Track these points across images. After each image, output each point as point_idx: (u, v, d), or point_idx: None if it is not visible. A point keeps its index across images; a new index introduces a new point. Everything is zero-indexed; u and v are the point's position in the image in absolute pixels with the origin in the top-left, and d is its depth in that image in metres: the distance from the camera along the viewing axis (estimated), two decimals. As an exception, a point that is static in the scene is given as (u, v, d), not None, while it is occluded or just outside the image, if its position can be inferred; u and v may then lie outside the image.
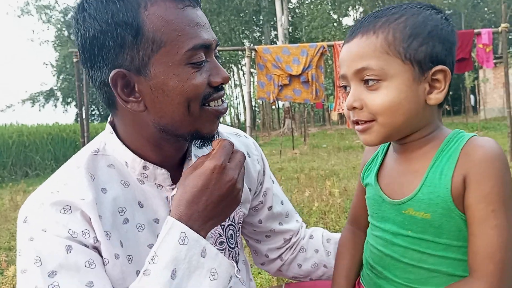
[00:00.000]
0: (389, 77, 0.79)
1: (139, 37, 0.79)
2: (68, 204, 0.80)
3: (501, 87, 19.53)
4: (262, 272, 2.70)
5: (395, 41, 0.80)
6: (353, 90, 0.83)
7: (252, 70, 9.77)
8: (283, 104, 21.13)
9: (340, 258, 1.04)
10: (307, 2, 28.80)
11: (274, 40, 31.98)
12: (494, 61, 8.36)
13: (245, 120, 8.57)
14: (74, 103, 36.12)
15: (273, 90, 7.44)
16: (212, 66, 0.86)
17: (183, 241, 0.76)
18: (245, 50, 7.83)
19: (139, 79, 0.82)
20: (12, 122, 14.73)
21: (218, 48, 0.89)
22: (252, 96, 9.10)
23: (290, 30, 28.03)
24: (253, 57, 7.77)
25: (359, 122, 0.84)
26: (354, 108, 0.83)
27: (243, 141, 1.12)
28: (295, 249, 1.20)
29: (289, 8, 26.00)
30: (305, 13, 28.06)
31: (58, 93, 37.70)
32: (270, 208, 1.16)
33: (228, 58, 28.84)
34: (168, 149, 0.91)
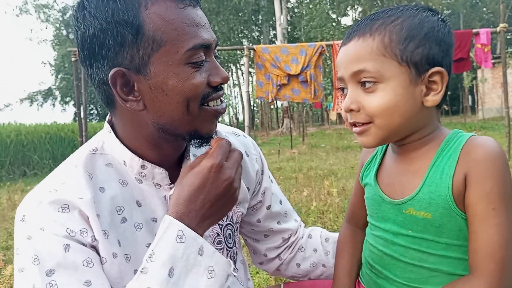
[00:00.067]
0: (385, 79, 0.80)
1: (139, 36, 0.79)
2: (66, 203, 0.80)
3: (499, 87, 19.58)
4: (260, 272, 2.70)
5: (391, 43, 0.80)
6: (350, 92, 0.83)
7: (250, 69, 9.76)
8: (281, 104, 21.14)
9: (340, 258, 1.04)
10: (306, 1, 28.82)
11: (273, 39, 31.98)
12: (493, 61, 8.36)
13: (244, 119, 8.56)
14: (72, 102, 36.08)
15: (271, 89, 7.44)
16: (211, 66, 0.86)
17: (181, 239, 0.76)
18: (243, 49, 7.83)
19: (139, 78, 0.82)
20: (10, 121, 14.71)
21: (216, 47, 0.89)
22: (250, 95, 9.09)
23: (289, 29, 28.02)
24: (251, 56, 7.77)
25: (357, 124, 0.84)
26: (351, 110, 0.83)
27: (241, 140, 1.12)
28: (293, 248, 1.20)
29: (288, 7, 26.00)
30: (304, 12, 28.06)
31: (56, 92, 37.67)
32: (268, 207, 1.16)
33: (226, 58, 28.86)
34: (166, 149, 0.91)
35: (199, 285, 0.76)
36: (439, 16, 0.84)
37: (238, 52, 24.28)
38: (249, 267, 2.52)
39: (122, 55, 0.80)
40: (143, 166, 0.90)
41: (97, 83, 0.86)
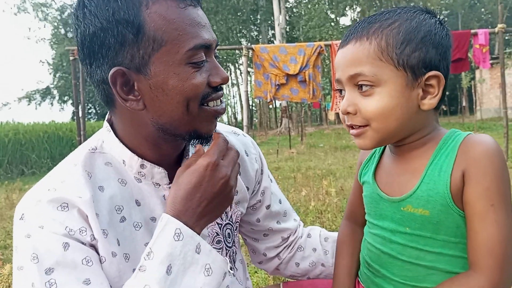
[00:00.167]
0: (382, 83, 0.80)
1: (140, 35, 0.79)
2: (65, 201, 0.80)
3: (497, 87, 19.62)
4: (258, 271, 2.70)
5: (388, 47, 0.80)
6: (347, 95, 0.84)
7: (249, 69, 9.75)
8: (280, 104, 21.13)
9: (340, 256, 1.04)
10: (304, 1, 28.83)
11: (272, 39, 31.99)
12: (491, 61, 8.38)
13: (242, 119, 8.56)
14: (70, 101, 36.03)
15: (270, 89, 7.45)
16: (211, 66, 0.86)
17: (178, 237, 0.76)
18: (242, 49, 7.83)
19: (139, 77, 0.82)
20: (8, 120, 14.64)
21: (217, 47, 0.89)
22: (249, 95, 9.10)
23: (288, 29, 28.00)
24: (250, 56, 7.77)
25: (354, 127, 0.85)
26: (348, 113, 0.84)
27: (241, 139, 1.13)
28: (293, 247, 1.20)
29: (286, 7, 25.99)
30: (303, 12, 28.06)
31: (55, 91, 37.60)
32: (268, 207, 1.16)
33: (225, 57, 28.85)
34: (165, 148, 0.91)
35: (196, 282, 0.76)
36: (437, 18, 0.84)
37: (237, 51, 24.29)
38: (248, 266, 2.52)
39: (122, 54, 0.80)
40: (142, 166, 0.90)
41: (97, 82, 0.85)
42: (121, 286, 0.78)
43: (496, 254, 0.76)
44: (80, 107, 8.13)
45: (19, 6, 33.52)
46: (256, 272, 2.71)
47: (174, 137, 0.87)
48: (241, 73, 33.47)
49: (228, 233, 1.05)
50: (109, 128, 0.91)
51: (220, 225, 1.03)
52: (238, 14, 29.67)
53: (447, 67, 0.84)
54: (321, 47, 7.31)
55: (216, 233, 1.02)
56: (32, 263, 0.76)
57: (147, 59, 0.80)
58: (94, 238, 0.80)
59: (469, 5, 34.83)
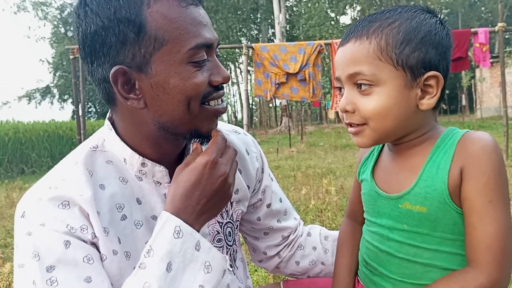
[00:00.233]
0: (381, 82, 0.81)
1: (141, 34, 0.79)
2: (66, 199, 0.80)
3: (497, 86, 19.62)
4: (258, 270, 2.70)
5: (387, 47, 0.80)
6: (346, 93, 0.85)
7: (249, 68, 9.74)
8: (280, 102, 21.14)
9: (341, 254, 1.05)
10: (304, 0, 28.78)
11: (272, 38, 31.96)
12: (491, 60, 8.37)
13: (242, 118, 8.56)
14: (70, 100, 36.00)
15: (270, 88, 7.45)
16: (213, 65, 0.86)
17: (178, 234, 0.77)
18: (242, 48, 7.82)
19: (140, 76, 0.82)
20: (8, 119, 14.61)
21: (218, 46, 0.89)
22: (249, 94, 9.09)
23: (288, 28, 27.97)
24: (250, 55, 7.77)
25: (352, 125, 0.85)
26: (346, 111, 0.85)
27: (242, 138, 1.13)
28: (293, 246, 1.20)
29: (286, 6, 25.97)
30: (303, 11, 28.04)
31: (55, 90, 37.58)
32: (268, 205, 1.16)
33: (225, 56, 28.80)
34: (166, 147, 0.91)
35: (196, 280, 0.77)
36: (438, 18, 0.84)
37: (237, 50, 24.25)
38: (248, 265, 2.52)
39: (123, 53, 0.80)
40: (143, 164, 0.90)
41: (98, 81, 0.85)
42: (121, 284, 0.78)
43: (494, 250, 0.76)
44: (80, 106, 8.13)
45: (19, 5, 33.49)
46: (256, 270, 2.71)
47: (175, 136, 0.88)
48: (241, 72, 33.44)
49: (229, 231, 1.05)
50: (110, 126, 0.91)
51: (221, 224, 1.03)
52: (238, 13, 29.65)
53: (447, 67, 0.84)
54: (321, 46, 7.30)
55: (217, 231, 1.02)
56: (33, 261, 0.76)
57: (148, 58, 0.80)
58: (95, 236, 0.81)
59: (469, 4, 34.80)
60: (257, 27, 33.35)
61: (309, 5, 26.39)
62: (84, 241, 0.79)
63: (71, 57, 7.97)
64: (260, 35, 32.25)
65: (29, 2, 33.82)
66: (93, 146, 0.90)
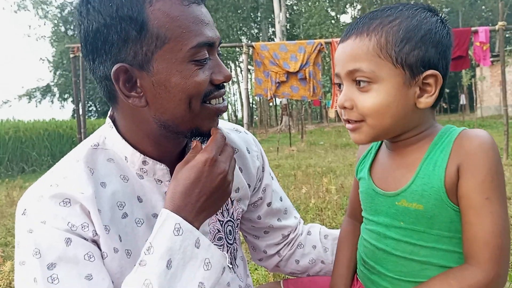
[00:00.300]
0: (380, 80, 0.81)
1: (143, 32, 0.79)
2: (67, 197, 0.80)
3: (498, 85, 19.59)
4: (258, 268, 2.71)
5: (387, 44, 0.81)
6: (345, 89, 0.85)
7: (249, 67, 9.75)
8: (280, 101, 21.12)
9: (341, 250, 1.05)
10: (304, -1, 28.76)
11: (272, 37, 31.92)
12: (491, 59, 8.36)
13: (243, 117, 8.56)
14: (71, 99, 35.96)
15: (270, 87, 7.44)
16: (214, 64, 0.86)
17: (178, 232, 0.77)
18: (242, 47, 7.82)
19: (142, 74, 0.82)
20: (9, 118, 14.60)
21: (220, 45, 0.89)
22: (249, 93, 9.09)
23: (288, 27, 27.94)
24: (250, 54, 7.76)
25: (350, 121, 0.86)
26: (345, 107, 0.85)
27: (243, 137, 1.13)
28: (293, 245, 1.20)
29: (286, 5, 25.93)
30: (303, 10, 28.02)
31: (55, 89, 37.52)
32: (269, 204, 1.16)
33: (225, 55, 28.80)
34: (167, 145, 0.91)
35: (196, 277, 0.77)
36: (439, 16, 0.84)
37: (237, 49, 24.25)
38: (248, 263, 2.52)
39: (125, 51, 0.80)
40: (144, 162, 0.90)
41: (99, 78, 0.86)
42: (122, 281, 0.78)
43: (492, 247, 0.77)
44: (80, 104, 8.13)
45: (19, 3, 33.43)
46: (256, 269, 2.71)
47: (175, 134, 0.88)
48: (241, 70, 33.41)
49: (229, 230, 1.05)
50: (111, 124, 0.92)
51: (221, 222, 1.03)
52: (239, 11, 29.64)
53: (446, 66, 0.84)
54: (321, 45, 7.30)
55: (218, 230, 1.02)
56: (34, 258, 0.77)
57: (150, 56, 0.80)
58: (96, 234, 0.81)
59: (469, 3, 34.75)
60: (258, 26, 33.33)
61: (310, 3, 26.36)
62: (85, 238, 0.80)
63: (71, 55, 7.97)
64: (261, 34, 32.22)
65: (29, 1, 33.77)
66: (94, 144, 0.90)
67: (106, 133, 0.92)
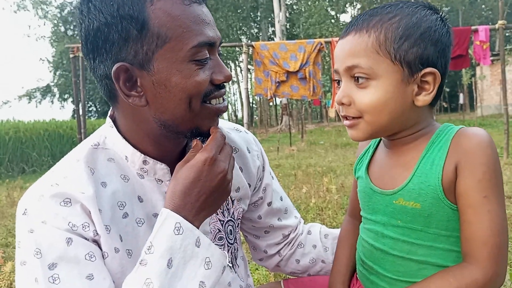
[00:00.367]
0: (378, 76, 0.81)
1: (144, 31, 0.79)
2: (68, 197, 0.80)
3: (498, 84, 19.58)
4: (259, 268, 2.71)
5: (386, 41, 0.81)
6: (343, 86, 0.85)
7: (249, 66, 9.75)
8: (280, 101, 21.11)
9: (341, 248, 1.06)
10: (304, -2, 28.75)
11: (272, 36, 31.91)
12: (491, 58, 8.37)
13: (243, 116, 8.56)
14: (71, 99, 35.94)
15: (270, 86, 7.44)
16: (215, 64, 0.86)
17: (178, 231, 0.77)
18: (242, 46, 7.82)
19: (142, 73, 0.82)
20: (9, 118, 14.60)
21: (220, 45, 0.90)
22: (249, 92, 9.09)
23: (288, 26, 27.91)
24: (250, 53, 7.76)
25: (348, 118, 0.86)
26: (342, 104, 0.85)
27: (243, 136, 1.13)
28: (293, 244, 1.20)
29: (286, 4, 25.91)
30: (303, 9, 28.01)
31: (55, 89, 37.51)
32: (269, 204, 1.16)
33: (225, 55, 28.79)
34: (167, 145, 0.91)
35: (197, 276, 0.77)
36: (439, 15, 0.84)
37: (237, 49, 24.24)
38: (249, 263, 2.52)
39: (126, 50, 0.80)
40: (144, 162, 0.90)
41: (99, 77, 0.86)
42: (123, 281, 0.78)
43: (490, 245, 0.76)
44: (80, 105, 8.14)
45: (18, 3, 33.41)
46: (257, 269, 2.71)
47: (176, 134, 0.88)
48: (241, 70, 33.41)
49: (230, 230, 1.05)
50: (112, 124, 0.92)
51: (222, 222, 1.03)
52: (238, 11, 29.63)
53: (445, 64, 0.84)
54: (321, 44, 7.30)
55: (218, 229, 1.02)
56: (35, 258, 0.77)
57: (150, 55, 0.80)
58: (97, 233, 0.81)
59: (469, 2, 34.72)
60: (257, 26, 33.31)
61: (309, 3, 26.36)
62: (85, 238, 0.80)
63: (71, 56, 7.97)
64: (260, 34, 32.21)
65: (29, 1, 33.75)
66: (94, 144, 0.90)
67: (107, 133, 0.92)
